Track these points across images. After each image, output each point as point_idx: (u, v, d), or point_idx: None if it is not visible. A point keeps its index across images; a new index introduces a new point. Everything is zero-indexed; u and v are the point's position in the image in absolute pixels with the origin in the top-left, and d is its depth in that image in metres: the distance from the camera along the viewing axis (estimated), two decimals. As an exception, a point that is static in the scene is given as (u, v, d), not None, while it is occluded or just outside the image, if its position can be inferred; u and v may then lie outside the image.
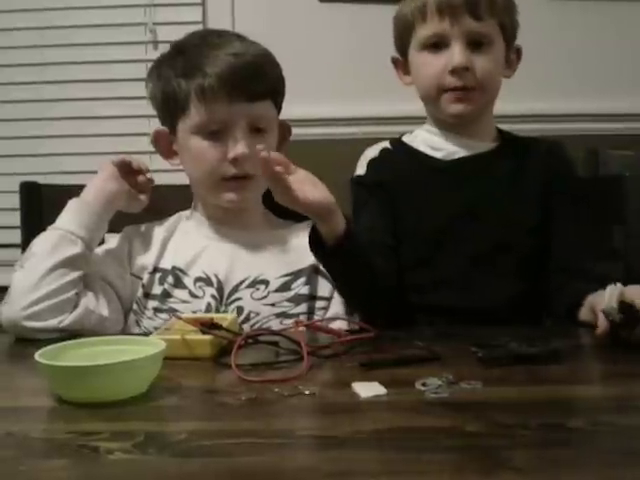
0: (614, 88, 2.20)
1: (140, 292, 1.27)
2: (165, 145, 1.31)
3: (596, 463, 0.68)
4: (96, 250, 1.26)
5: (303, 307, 1.26)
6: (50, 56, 2.25)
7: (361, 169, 1.35)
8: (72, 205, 1.23)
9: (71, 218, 1.21)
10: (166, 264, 1.28)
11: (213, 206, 1.31)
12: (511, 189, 1.29)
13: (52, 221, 1.22)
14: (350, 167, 1.37)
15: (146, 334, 1.13)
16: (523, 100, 1.95)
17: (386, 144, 1.37)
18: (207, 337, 1.03)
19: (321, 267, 1.28)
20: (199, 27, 2.14)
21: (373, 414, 0.81)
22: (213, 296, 1.25)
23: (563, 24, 2.20)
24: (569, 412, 0.85)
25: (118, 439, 0.74)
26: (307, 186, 1.10)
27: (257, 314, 1.24)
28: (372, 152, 1.36)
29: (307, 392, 0.87)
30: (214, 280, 1.26)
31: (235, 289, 1.26)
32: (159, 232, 1.32)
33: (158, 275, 1.28)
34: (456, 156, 1.31)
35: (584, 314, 1.13)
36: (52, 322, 1.14)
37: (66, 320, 1.15)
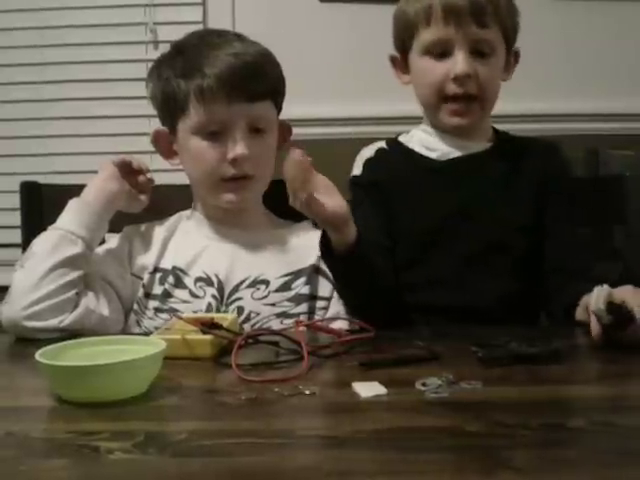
0: (614, 88, 2.20)
1: (141, 292, 1.27)
2: (165, 145, 1.31)
3: (596, 463, 0.69)
4: (96, 250, 1.26)
5: (304, 307, 1.26)
6: (50, 56, 2.25)
7: (357, 169, 1.35)
8: (72, 205, 1.23)
9: (71, 218, 1.21)
10: (166, 264, 1.28)
11: (213, 206, 1.31)
12: (505, 189, 1.29)
13: (52, 221, 1.22)
14: (350, 167, 1.37)
15: (147, 334, 1.13)
16: (523, 100, 1.95)
17: (382, 144, 1.37)
18: (207, 337, 1.03)
19: (321, 267, 1.28)
20: (199, 27, 2.14)
21: (373, 414, 0.82)
22: (214, 296, 1.25)
23: (564, 24, 2.20)
24: (569, 412, 0.85)
25: (118, 439, 0.74)
26: (324, 195, 1.09)
27: (257, 314, 1.24)
28: (368, 152, 1.36)
29: (307, 392, 0.87)
30: (214, 280, 1.26)
31: (235, 289, 1.26)
32: (159, 232, 1.32)
33: (158, 275, 1.28)
34: (451, 156, 1.31)
35: (580, 314, 1.13)
36: (52, 322, 1.14)
37: (66, 320, 1.15)
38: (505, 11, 1.25)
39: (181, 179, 1.36)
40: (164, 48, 1.34)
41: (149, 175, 1.32)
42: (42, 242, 1.19)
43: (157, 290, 1.27)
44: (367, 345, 1.06)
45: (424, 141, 1.34)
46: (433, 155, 1.32)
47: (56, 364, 0.87)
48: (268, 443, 0.74)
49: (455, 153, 1.31)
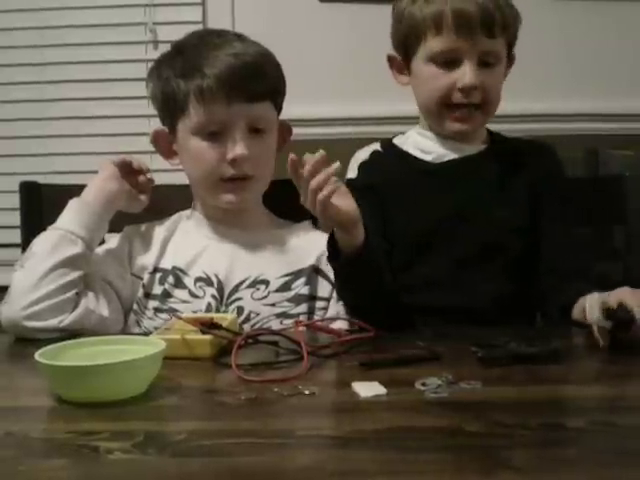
0: (614, 88, 2.20)
1: (140, 292, 1.27)
2: (165, 145, 1.31)
3: (595, 463, 0.69)
4: (96, 250, 1.26)
5: (303, 307, 1.26)
6: (50, 56, 2.25)
7: (352, 172, 1.34)
8: (72, 205, 1.23)
9: (71, 218, 1.21)
10: (166, 264, 1.28)
11: (213, 206, 1.31)
12: (500, 191, 1.29)
13: (52, 221, 1.22)
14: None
15: (146, 334, 1.13)
16: (522, 100, 1.95)
17: (377, 146, 1.37)
18: (207, 337, 1.03)
19: (321, 267, 1.28)
20: (199, 27, 2.14)
21: (373, 414, 0.82)
22: (213, 296, 1.25)
23: (563, 24, 2.20)
24: (569, 412, 0.85)
25: (118, 439, 0.74)
26: (337, 197, 1.08)
27: (257, 314, 1.24)
28: (363, 154, 1.36)
29: (307, 392, 0.87)
30: (214, 280, 1.26)
31: (235, 289, 1.26)
32: (159, 232, 1.32)
33: (158, 275, 1.28)
34: (446, 159, 1.31)
35: (576, 314, 1.13)
36: (52, 322, 1.14)
37: (66, 320, 1.15)
38: (511, 20, 1.25)
39: (181, 179, 1.36)
40: (164, 48, 1.34)
41: (149, 175, 1.32)
42: (42, 242, 1.19)
43: (157, 290, 1.27)
44: (367, 345, 1.06)
45: (419, 144, 1.34)
46: (428, 158, 1.32)
47: (56, 364, 0.87)
48: (268, 443, 0.74)
49: (450, 155, 1.31)
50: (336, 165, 1.07)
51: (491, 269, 1.26)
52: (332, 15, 2.20)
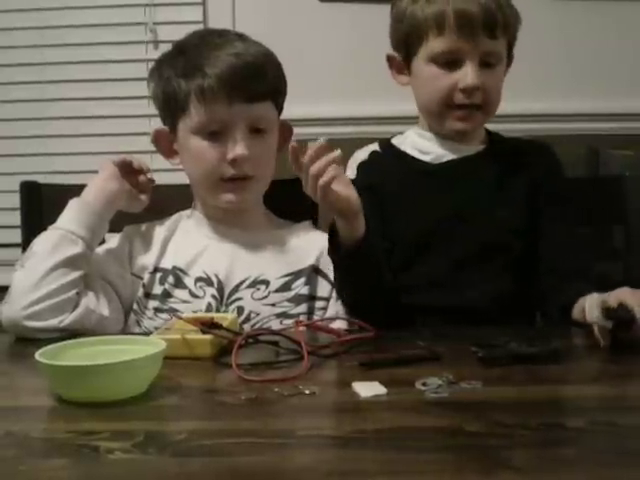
0: (614, 88, 2.20)
1: (141, 292, 1.27)
2: (166, 144, 1.31)
3: (595, 463, 0.69)
4: (97, 250, 1.26)
5: (303, 307, 1.26)
6: (50, 56, 2.24)
7: (351, 172, 1.34)
8: (73, 205, 1.23)
9: (72, 218, 1.21)
10: (167, 264, 1.28)
11: (213, 206, 1.31)
12: (499, 191, 1.29)
13: (52, 221, 1.22)
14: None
15: (146, 334, 1.13)
16: (522, 100, 1.95)
17: (375, 147, 1.37)
18: (207, 337, 1.03)
19: (320, 267, 1.28)
20: (199, 27, 2.14)
21: (373, 414, 0.82)
22: (213, 296, 1.25)
23: (562, 24, 2.19)
24: (569, 412, 0.85)
25: (118, 439, 0.74)
26: (338, 184, 1.09)
27: (257, 314, 1.24)
28: (362, 155, 1.36)
29: (307, 392, 0.87)
30: (214, 280, 1.26)
31: (235, 289, 1.26)
32: (160, 232, 1.32)
33: (159, 275, 1.28)
34: (444, 159, 1.31)
35: (576, 314, 1.13)
36: (52, 322, 1.14)
37: (66, 320, 1.15)
38: (512, 20, 1.25)
39: (181, 179, 1.36)
40: (164, 48, 1.34)
41: (149, 175, 1.32)
42: (42, 242, 1.19)
43: (157, 290, 1.27)
44: (367, 345, 1.06)
45: (418, 144, 1.34)
46: (427, 158, 1.32)
47: (56, 364, 0.87)
48: (268, 443, 0.74)
49: (449, 156, 1.31)
50: (337, 152, 1.07)
51: (490, 269, 1.27)
52: (332, 15, 2.20)
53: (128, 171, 1.29)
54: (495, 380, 0.91)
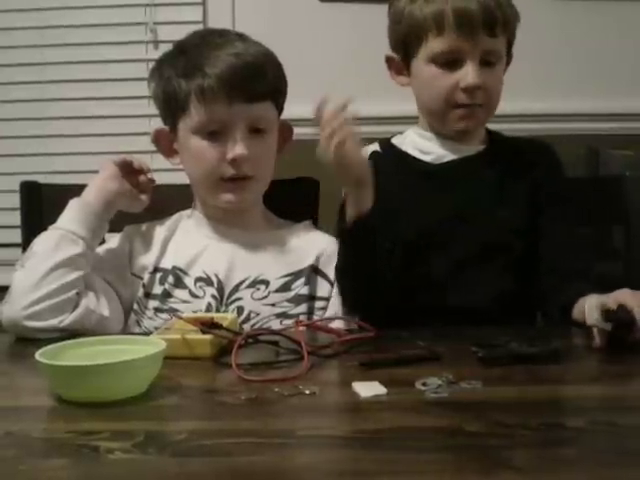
0: (615, 88, 2.20)
1: (141, 292, 1.27)
2: (166, 144, 1.32)
3: (596, 463, 0.69)
4: (97, 250, 1.26)
5: (303, 307, 1.26)
6: (50, 56, 2.24)
7: None
8: (73, 205, 1.23)
9: (72, 218, 1.21)
10: (167, 264, 1.29)
11: (213, 206, 1.31)
12: (500, 191, 1.29)
13: (52, 221, 1.22)
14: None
15: (146, 334, 1.13)
16: (522, 100, 1.95)
17: (375, 146, 1.37)
18: (207, 337, 1.03)
19: (320, 267, 1.28)
20: (199, 27, 2.14)
21: (373, 414, 0.82)
22: (213, 296, 1.25)
23: (563, 24, 2.19)
24: (569, 412, 0.85)
25: (118, 439, 0.74)
26: (351, 144, 1.11)
27: (257, 314, 1.24)
28: None
29: (307, 392, 0.87)
30: (214, 280, 1.26)
31: (235, 289, 1.26)
32: (160, 232, 1.32)
33: (159, 275, 1.28)
34: (445, 159, 1.31)
35: (576, 314, 1.13)
36: (52, 322, 1.14)
37: (66, 320, 1.15)
38: (512, 18, 1.25)
39: (181, 179, 1.36)
40: (164, 48, 1.34)
41: (150, 175, 1.32)
42: (43, 242, 1.19)
43: (157, 290, 1.27)
44: (367, 345, 1.06)
45: (418, 144, 1.33)
46: (427, 158, 1.32)
47: (56, 364, 0.87)
48: (268, 443, 0.74)
49: (449, 156, 1.31)
50: (351, 110, 1.10)
51: (491, 269, 1.26)
52: (333, 15, 2.20)
53: (129, 171, 1.29)
54: (495, 380, 0.91)
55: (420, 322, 1.21)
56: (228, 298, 1.25)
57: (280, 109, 1.31)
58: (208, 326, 1.04)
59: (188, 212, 1.36)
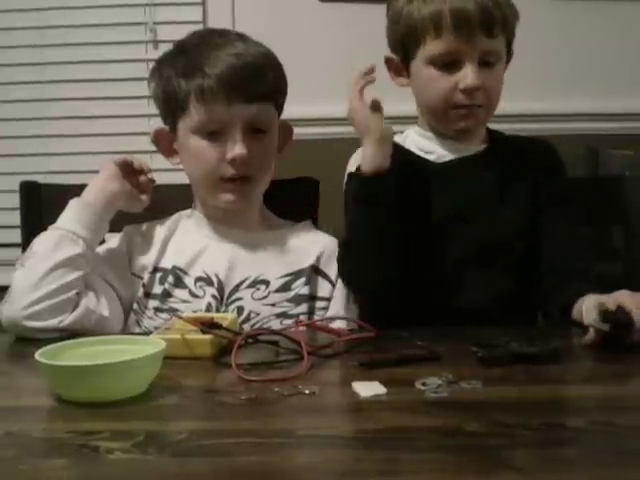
0: (614, 87, 2.20)
1: (140, 292, 1.27)
2: (166, 144, 1.31)
3: (596, 463, 0.69)
4: (97, 250, 1.26)
5: (303, 307, 1.26)
6: (50, 56, 2.25)
7: (354, 167, 1.32)
8: (73, 205, 1.23)
9: (72, 218, 1.21)
10: (166, 264, 1.28)
11: (213, 206, 1.31)
12: (501, 191, 1.29)
13: (52, 221, 1.22)
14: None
15: (146, 334, 1.13)
16: (522, 99, 1.95)
17: None
18: (207, 337, 1.03)
19: (320, 267, 1.28)
20: (199, 26, 2.14)
21: (373, 414, 0.82)
22: (213, 296, 1.25)
23: (563, 23, 2.19)
24: (569, 412, 0.85)
25: (118, 439, 0.74)
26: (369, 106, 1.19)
27: (257, 314, 1.24)
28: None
29: (307, 392, 0.87)
30: (214, 280, 1.26)
31: (235, 289, 1.26)
32: (160, 231, 1.32)
33: (158, 275, 1.28)
34: (445, 159, 1.31)
35: (575, 314, 1.13)
36: (52, 322, 1.13)
37: (66, 320, 1.15)
38: (510, 17, 1.24)
39: (181, 179, 1.36)
40: (164, 48, 1.34)
41: (150, 175, 1.32)
42: (43, 241, 1.19)
43: (157, 290, 1.27)
44: (367, 345, 1.06)
45: (419, 144, 1.33)
46: (430, 157, 1.32)
47: (56, 364, 0.87)
48: (268, 443, 0.74)
49: (450, 156, 1.31)
50: (368, 66, 1.21)
51: (492, 269, 1.26)
52: (332, 15, 2.20)
53: (129, 171, 1.29)
54: (495, 380, 0.91)
55: (420, 322, 1.21)
56: (228, 298, 1.25)
57: (280, 109, 1.31)
58: (208, 326, 1.04)
59: (188, 212, 1.36)
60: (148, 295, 1.27)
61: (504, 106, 1.30)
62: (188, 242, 1.31)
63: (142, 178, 1.31)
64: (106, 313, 1.20)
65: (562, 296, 1.18)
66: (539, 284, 1.27)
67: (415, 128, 1.35)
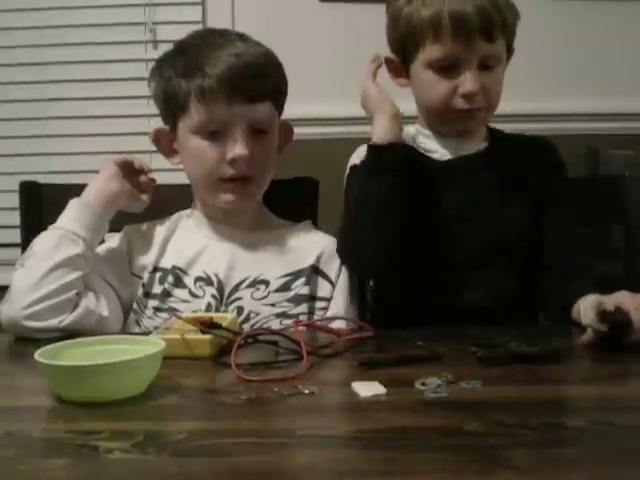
0: (614, 87, 2.20)
1: (140, 291, 1.27)
2: (166, 144, 1.31)
3: (595, 462, 0.69)
4: (97, 249, 1.26)
5: (303, 307, 1.26)
6: (50, 55, 2.25)
7: (358, 159, 1.31)
8: (73, 205, 1.23)
9: (72, 218, 1.21)
10: (166, 263, 1.28)
11: (213, 206, 1.31)
12: (501, 191, 1.29)
13: (52, 221, 1.22)
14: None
15: (146, 333, 1.13)
16: (522, 99, 1.95)
17: None
18: (207, 337, 1.03)
19: (320, 267, 1.28)
20: (199, 26, 2.14)
21: (373, 414, 0.82)
22: (213, 296, 1.25)
23: (563, 23, 2.20)
24: (569, 412, 0.85)
25: (118, 439, 0.74)
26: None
27: (257, 314, 1.24)
28: (364, 149, 1.35)
29: (307, 391, 0.87)
30: (214, 280, 1.26)
31: (235, 289, 1.26)
32: (160, 231, 1.32)
33: (158, 274, 1.28)
34: (446, 158, 1.31)
35: (575, 314, 1.13)
36: (52, 322, 1.13)
37: (66, 320, 1.15)
38: (511, 20, 1.23)
39: (181, 179, 1.36)
40: (164, 48, 1.34)
41: (150, 175, 1.32)
42: (43, 241, 1.19)
43: (157, 289, 1.27)
44: (367, 345, 1.06)
45: (420, 142, 1.33)
46: (434, 156, 1.31)
47: (55, 364, 0.87)
48: (268, 443, 0.74)
49: (450, 155, 1.30)
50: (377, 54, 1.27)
51: (493, 268, 1.26)
52: (332, 15, 2.20)
53: (129, 171, 1.29)
54: (495, 380, 0.91)
55: (421, 322, 1.21)
56: (228, 298, 1.25)
57: (280, 109, 1.31)
58: (208, 326, 1.04)
59: (188, 212, 1.36)
60: (148, 295, 1.27)
61: (504, 106, 1.30)
62: (188, 242, 1.31)
63: (142, 178, 1.31)
64: (106, 313, 1.20)
65: (562, 296, 1.18)
66: (539, 283, 1.27)
67: (416, 127, 1.35)
